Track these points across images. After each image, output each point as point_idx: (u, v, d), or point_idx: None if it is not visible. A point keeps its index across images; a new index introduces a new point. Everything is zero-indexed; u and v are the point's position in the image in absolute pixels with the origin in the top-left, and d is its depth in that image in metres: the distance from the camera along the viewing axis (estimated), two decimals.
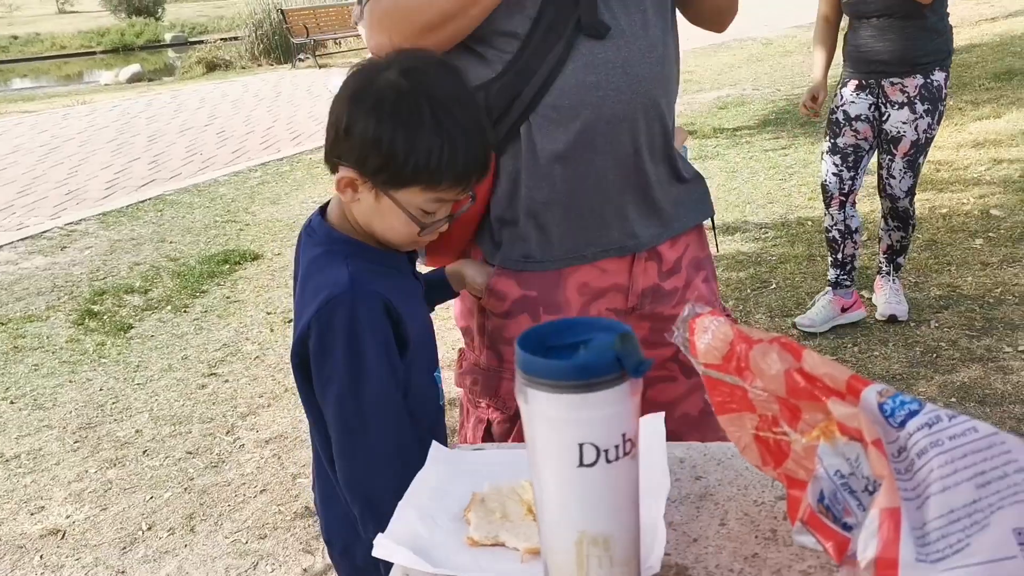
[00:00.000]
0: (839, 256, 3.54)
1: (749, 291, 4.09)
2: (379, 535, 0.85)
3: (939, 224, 4.51)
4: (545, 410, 0.65)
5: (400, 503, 0.91)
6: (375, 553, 0.85)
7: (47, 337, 4.22)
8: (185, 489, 2.89)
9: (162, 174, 7.62)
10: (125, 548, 2.61)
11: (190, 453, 3.11)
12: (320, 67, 15.13)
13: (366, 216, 1.23)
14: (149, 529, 2.69)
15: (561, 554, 0.69)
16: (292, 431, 3.19)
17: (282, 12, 15.80)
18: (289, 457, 3.04)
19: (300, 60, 15.94)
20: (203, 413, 3.39)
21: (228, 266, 5.03)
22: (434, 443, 1.01)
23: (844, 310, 3.58)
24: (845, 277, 3.55)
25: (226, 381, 3.65)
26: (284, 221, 5.93)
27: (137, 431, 3.29)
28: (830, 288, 3.62)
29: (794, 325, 3.62)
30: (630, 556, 0.71)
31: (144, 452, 3.14)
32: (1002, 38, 9.65)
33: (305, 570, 2.46)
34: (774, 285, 4.12)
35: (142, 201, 6.64)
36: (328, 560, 2.48)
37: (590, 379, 0.64)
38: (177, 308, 4.48)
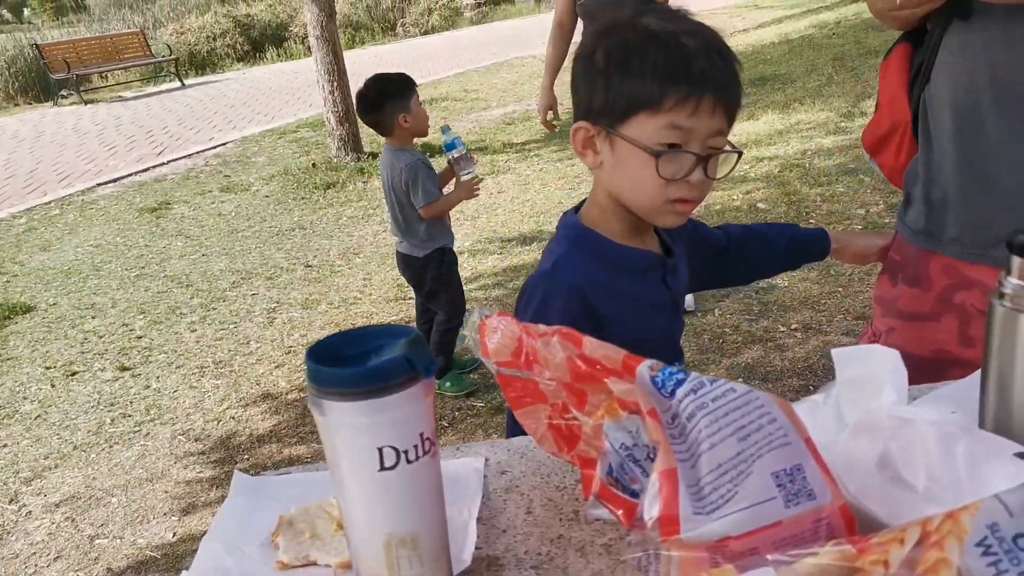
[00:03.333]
0: None
1: None
2: (183, 573, 0.82)
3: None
4: (342, 418, 0.66)
5: (204, 539, 0.88)
6: None
7: None
8: None
9: None
10: None
11: None
12: (86, 103, 14.16)
13: (610, 178, 1.12)
14: None
15: (371, 559, 0.70)
16: (85, 490, 2.97)
17: (37, 47, 14.64)
18: (84, 518, 2.82)
19: (63, 97, 14.83)
20: None
21: None
22: (236, 472, 0.99)
23: None
24: None
25: (4, 446, 3.34)
26: (58, 268, 5.50)
27: None
28: None
29: None
30: (439, 553, 0.72)
31: None
32: (754, 47, 10.57)
33: None
34: None
35: None
36: None
37: (383, 383, 0.65)
38: None
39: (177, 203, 6.85)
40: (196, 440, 3.25)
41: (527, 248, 4.98)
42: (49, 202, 7.22)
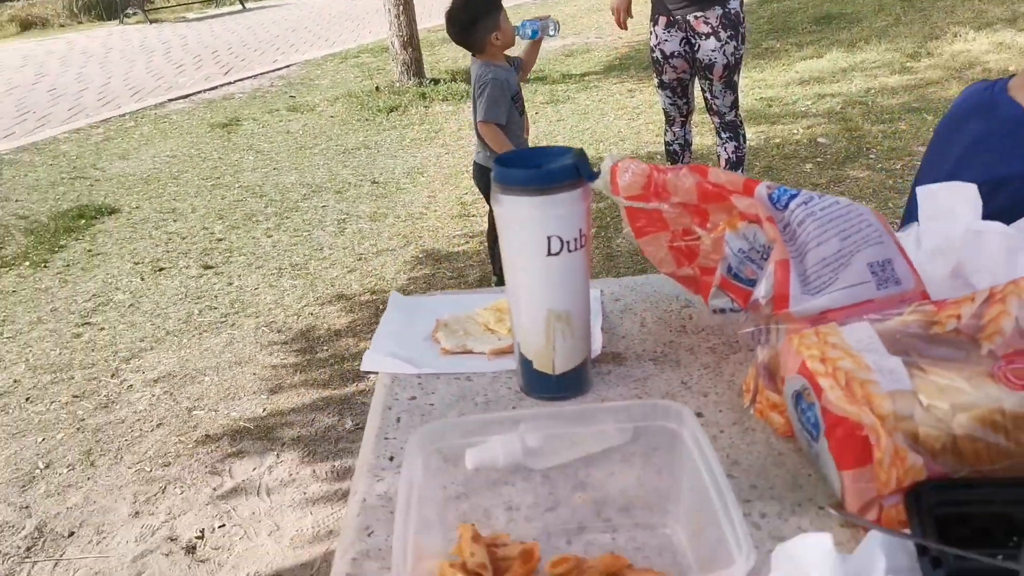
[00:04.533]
0: (679, 165, 4.04)
1: (608, 219, 4.38)
2: (367, 353, 1.01)
3: (774, 153, 4.94)
4: (520, 212, 0.83)
5: (374, 337, 1.06)
6: (363, 368, 1.00)
7: None
8: (78, 429, 2.89)
9: None
10: (24, 486, 2.61)
11: (76, 397, 3.09)
12: (151, 22, 14.39)
13: None
14: (47, 467, 2.69)
15: (532, 332, 0.88)
16: (180, 369, 3.22)
17: None
18: (181, 393, 3.08)
19: (127, 16, 15.08)
20: (83, 360, 3.35)
21: (84, 221, 4.88)
22: (393, 293, 1.17)
23: None
24: None
25: (102, 329, 3.61)
26: (137, 175, 5.76)
27: (15, 381, 3.23)
28: None
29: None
30: (584, 332, 0.90)
31: (27, 399, 3.09)
32: None
33: (215, 490, 2.55)
34: None
35: None
36: (237, 479, 2.58)
37: (555, 183, 0.82)
38: (36, 264, 4.33)
39: (246, 120, 7.06)
40: (278, 332, 3.48)
41: None
42: (123, 115, 7.48)
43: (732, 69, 3.72)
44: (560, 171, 0.82)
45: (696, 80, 3.89)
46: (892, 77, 6.08)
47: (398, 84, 7.72)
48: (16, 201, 5.33)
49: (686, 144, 4.07)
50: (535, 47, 3.53)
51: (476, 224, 4.48)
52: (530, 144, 3.53)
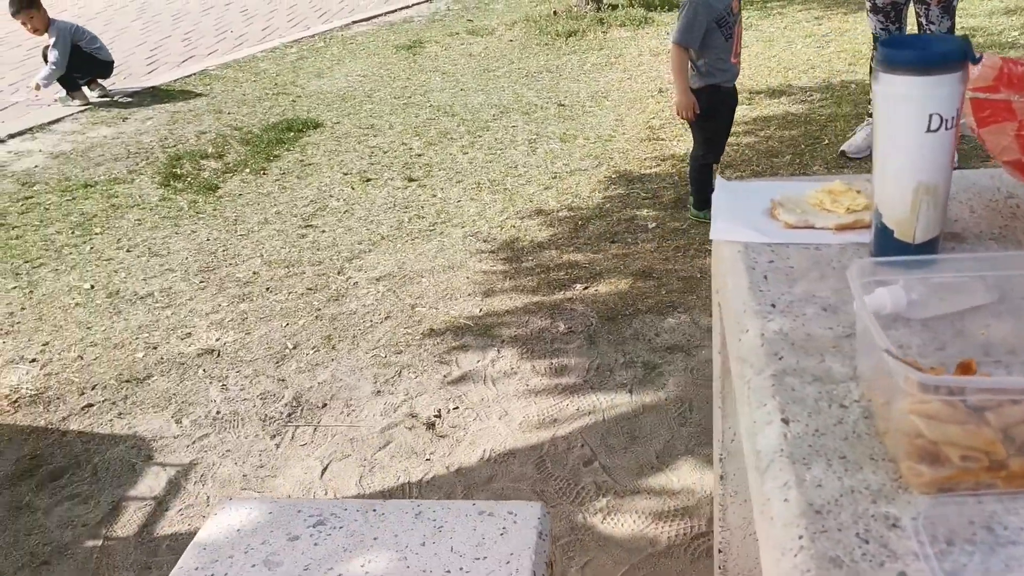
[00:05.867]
0: None
1: (803, 147, 4.34)
2: (713, 225, 1.14)
3: None
4: (906, 91, 0.92)
5: (712, 214, 1.19)
6: (714, 237, 1.13)
7: (139, 196, 4.45)
8: (316, 318, 3.19)
9: (199, 51, 7.69)
10: (278, 362, 2.93)
11: (310, 290, 3.40)
12: None
13: None
14: (295, 348, 3.00)
15: (898, 202, 0.97)
16: (398, 270, 3.48)
17: None
18: (403, 291, 3.33)
19: None
20: (311, 257, 3.67)
21: (293, 133, 5.22)
22: (718, 177, 1.29)
23: None
24: None
25: (323, 231, 3.91)
26: (334, 93, 6.08)
27: (254, 272, 3.57)
28: (871, 119, 3.97)
29: (842, 153, 4.11)
30: (944, 206, 0.99)
31: (267, 289, 3.42)
32: None
33: (444, 376, 2.79)
34: (826, 141, 4.37)
35: (187, 76, 6.74)
36: (464, 368, 2.80)
37: (944, 64, 0.90)
38: (255, 170, 4.70)
39: (429, 43, 7.28)
40: (484, 241, 3.68)
41: (776, 100, 5.03)
42: (312, 35, 7.84)
43: None
44: (949, 53, 0.91)
45: (911, 4, 3.77)
46: None
47: (576, 9, 7.74)
48: (228, 113, 5.75)
49: None
50: None
51: (666, 147, 4.53)
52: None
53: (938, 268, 0.93)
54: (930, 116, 0.92)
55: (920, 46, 0.94)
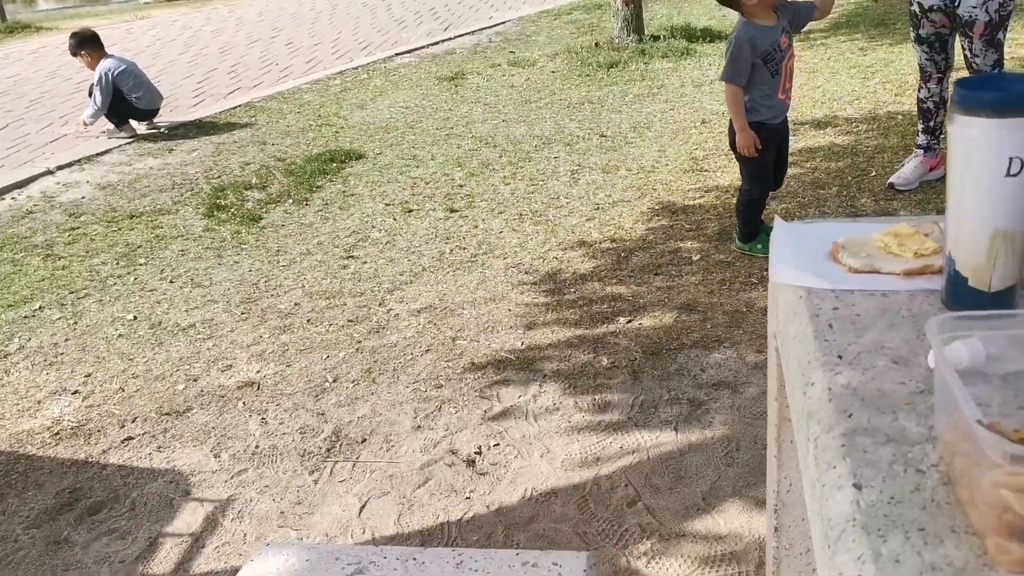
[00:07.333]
0: (931, 124, 3.97)
1: (850, 178, 4.26)
2: (773, 268, 1.09)
3: None
4: (983, 132, 0.87)
5: (771, 256, 1.14)
6: (775, 280, 1.08)
7: (183, 227, 4.50)
8: (356, 350, 3.17)
9: (244, 83, 7.81)
10: (318, 396, 2.91)
11: (351, 321, 3.39)
12: None
13: None
14: (335, 381, 2.99)
15: (973, 249, 0.92)
16: (439, 302, 3.46)
17: None
18: (444, 323, 3.30)
19: None
20: (352, 288, 3.66)
21: (335, 164, 5.26)
22: (776, 217, 1.24)
23: (932, 169, 4.04)
24: (935, 141, 4.00)
25: (365, 263, 3.91)
26: (377, 124, 6.12)
27: (296, 304, 3.57)
28: (920, 151, 4.05)
29: (890, 185, 4.06)
30: (1022, 252, 0.93)
31: (308, 321, 3.42)
32: None
33: (485, 412, 2.74)
34: (873, 173, 4.28)
35: (233, 108, 6.85)
36: (505, 403, 2.76)
37: (1022, 106, 0.85)
38: (298, 201, 4.73)
39: (471, 74, 7.31)
40: (526, 273, 3.65)
41: (821, 132, 4.96)
42: (356, 67, 7.93)
43: (995, 26, 3.49)
44: None
45: (956, 36, 3.70)
46: None
47: (617, 40, 7.74)
48: (272, 145, 5.81)
49: (941, 102, 3.89)
50: None
51: (710, 179, 4.48)
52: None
53: (1020, 321, 0.87)
54: (1010, 160, 0.86)
55: (999, 87, 0.89)
